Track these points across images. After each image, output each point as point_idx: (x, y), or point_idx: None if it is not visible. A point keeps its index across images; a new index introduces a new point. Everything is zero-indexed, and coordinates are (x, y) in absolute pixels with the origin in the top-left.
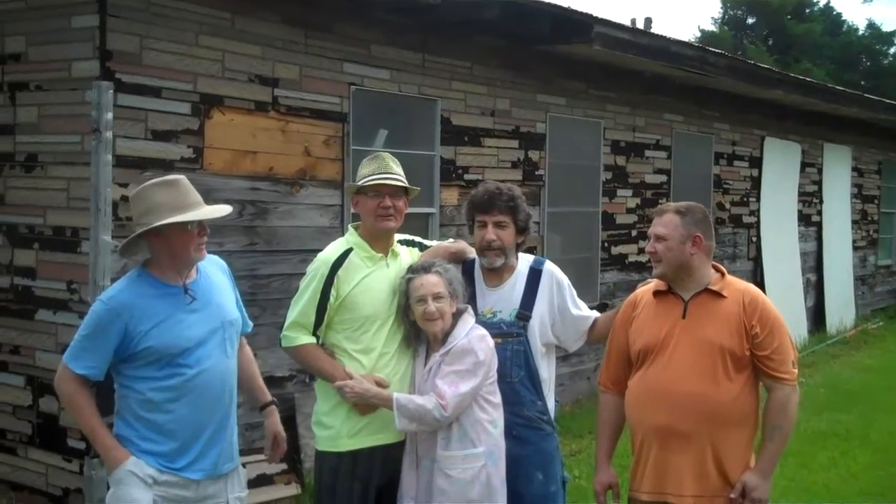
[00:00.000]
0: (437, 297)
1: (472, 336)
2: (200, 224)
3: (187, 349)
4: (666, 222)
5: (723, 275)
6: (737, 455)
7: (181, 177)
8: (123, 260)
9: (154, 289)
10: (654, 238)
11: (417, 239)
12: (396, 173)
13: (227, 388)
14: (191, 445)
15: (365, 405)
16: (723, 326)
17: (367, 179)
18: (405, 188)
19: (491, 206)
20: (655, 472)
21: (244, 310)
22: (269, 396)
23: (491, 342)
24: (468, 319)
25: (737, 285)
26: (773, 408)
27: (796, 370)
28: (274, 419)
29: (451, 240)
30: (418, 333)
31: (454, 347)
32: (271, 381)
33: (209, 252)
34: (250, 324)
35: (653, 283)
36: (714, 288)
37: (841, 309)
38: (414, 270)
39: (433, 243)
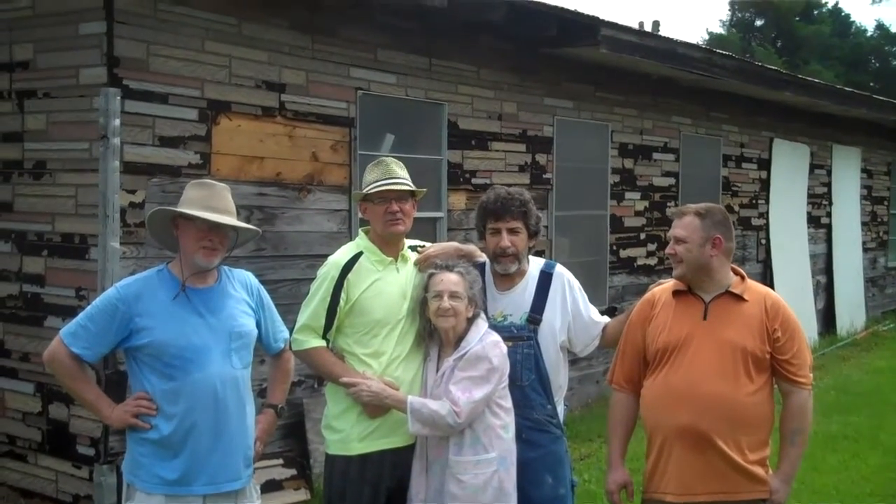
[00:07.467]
0: (453, 295)
1: (485, 342)
2: (215, 229)
3: (187, 351)
4: (686, 224)
5: (743, 278)
6: (756, 455)
7: (221, 183)
8: (132, 266)
9: (168, 287)
10: (673, 240)
11: (428, 244)
12: (400, 177)
13: (229, 399)
14: (192, 453)
15: (375, 408)
16: (744, 329)
17: (371, 186)
18: (411, 191)
19: (504, 212)
20: (679, 473)
21: (277, 327)
22: (276, 400)
23: (504, 348)
24: (481, 325)
25: (757, 289)
26: (792, 412)
27: (811, 375)
28: (263, 419)
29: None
30: (432, 332)
31: (468, 353)
32: None
33: (238, 267)
34: (278, 346)
35: (671, 283)
36: (735, 291)
37: (851, 311)
38: (438, 267)
39: None
